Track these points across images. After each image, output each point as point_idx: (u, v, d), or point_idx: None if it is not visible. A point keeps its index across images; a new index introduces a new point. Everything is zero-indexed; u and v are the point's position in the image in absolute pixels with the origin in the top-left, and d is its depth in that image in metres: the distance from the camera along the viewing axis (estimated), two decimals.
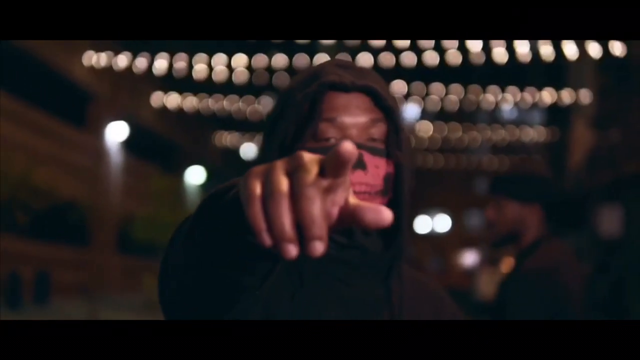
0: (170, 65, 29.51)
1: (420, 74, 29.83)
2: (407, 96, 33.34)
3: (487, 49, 24.73)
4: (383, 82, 1.90)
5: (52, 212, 32.76)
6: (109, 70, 32.07)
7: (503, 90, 32.23)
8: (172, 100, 35.07)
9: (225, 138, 43.24)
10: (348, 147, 1.10)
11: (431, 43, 25.24)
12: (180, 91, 34.52)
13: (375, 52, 27.90)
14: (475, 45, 24.35)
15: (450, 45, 25.01)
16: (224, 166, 51.57)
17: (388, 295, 1.88)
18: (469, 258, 59.81)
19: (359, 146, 1.80)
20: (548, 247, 4.17)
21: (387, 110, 1.85)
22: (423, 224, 65.31)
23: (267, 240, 1.12)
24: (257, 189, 1.15)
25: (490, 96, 32.36)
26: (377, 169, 1.82)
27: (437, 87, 32.45)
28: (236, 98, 34.46)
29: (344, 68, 1.89)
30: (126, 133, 38.87)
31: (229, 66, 28.51)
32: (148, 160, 43.37)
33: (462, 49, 25.26)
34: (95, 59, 31.85)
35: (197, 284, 1.44)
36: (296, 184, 1.12)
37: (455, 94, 32.39)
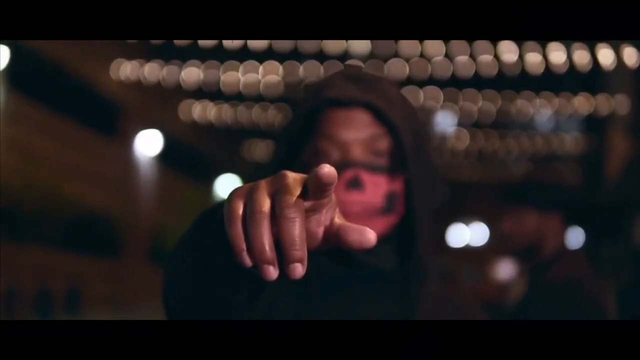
0: (200, 75, 29.33)
1: (454, 81, 29.54)
2: (440, 104, 33.07)
3: (521, 56, 24.41)
4: (393, 91, 1.84)
5: (82, 224, 32.64)
6: (138, 80, 31.96)
7: (538, 98, 31.86)
8: (202, 109, 34.89)
9: (256, 147, 43.14)
10: (326, 170, 1.11)
11: (466, 49, 25.02)
12: (211, 100, 34.32)
13: (407, 59, 27.64)
14: (509, 52, 24.05)
15: (484, 51, 24.73)
16: (256, 176, 51.40)
17: (403, 313, 1.82)
18: (506, 270, 59.23)
19: (357, 164, 1.77)
20: (570, 259, 3.97)
21: (390, 125, 1.79)
22: (459, 235, 64.89)
23: (246, 260, 1.13)
24: (239, 209, 1.16)
25: (525, 103, 32.01)
26: (377, 186, 1.79)
27: (471, 95, 32.15)
28: (267, 107, 34.31)
29: (351, 79, 1.84)
30: (156, 143, 38.81)
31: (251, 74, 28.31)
32: (178, 170, 43.31)
33: (496, 56, 24.96)
34: (125, 68, 31.75)
35: (190, 300, 1.45)
36: (277, 205, 1.13)
37: (490, 101, 32.06)
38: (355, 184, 1.76)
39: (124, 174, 38.17)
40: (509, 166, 50.03)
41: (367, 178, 1.77)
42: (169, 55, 30.28)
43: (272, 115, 35.28)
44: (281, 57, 28.60)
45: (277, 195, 1.13)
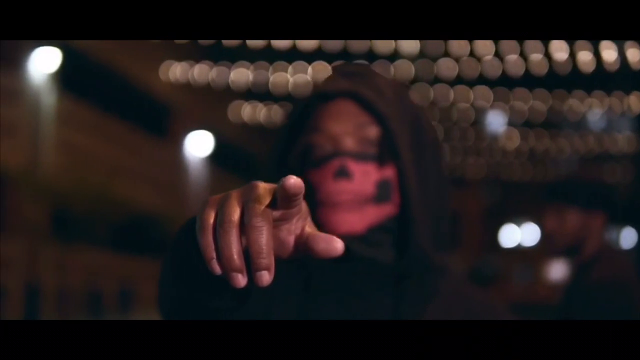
0: (250, 76, 29.35)
1: (505, 81, 29.30)
2: (491, 103, 32.82)
3: (572, 55, 24.15)
4: (385, 83, 1.85)
5: (133, 225, 32.80)
6: (187, 81, 32.05)
7: (590, 97, 31.52)
8: (252, 110, 34.91)
9: None
10: (292, 182, 1.14)
11: (516, 48, 24.82)
12: (260, 101, 34.34)
13: (457, 59, 27.47)
14: (560, 51, 23.82)
15: (535, 50, 24.51)
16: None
17: (397, 306, 1.80)
18: (558, 270, 58.81)
19: (344, 153, 1.77)
20: (613, 259, 3.87)
21: (376, 113, 1.79)
22: (511, 235, 64.49)
23: (216, 268, 1.18)
24: (211, 218, 1.20)
25: (577, 103, 31.68)
26: (367, 175, 1.79)
27: (522, 94, 31.87)
28: None
29: (343, 74, 1.86)
30: (206, 144, 38.89)
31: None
32: (228, 171, 43.42)
33: (547, 54, 24.73)
34: (174, 70, 31.85)
35: (177, 307, 1.48)
36: (246, 214, 1.16)
37: (540, 101, 31.76)
38: (342, 173, 1.76)
39: (174, 174, 38.32)
40: (560, 166, 49.60)
41: (355, 167, 1.77)
42: (218, 56, 30.34)
43: None
44: (330, 58, 28.53)
45: (247, 204, 1.17)
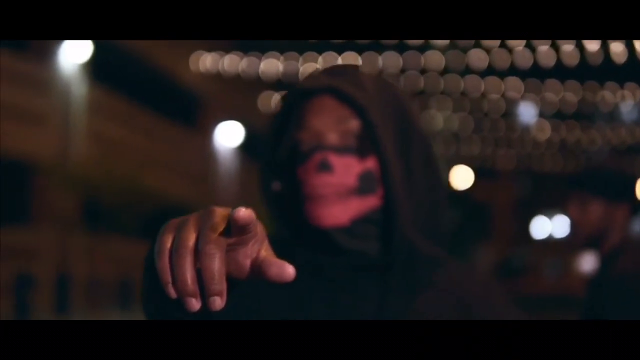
0: (280, 66, 29.31)
1: (536, 72, 29.13)
2: (522, 94, 32.65)
3: (605, 46, 23.96)
4: (366, 77, 1.88)
5: (163, 215, 32.87)
6: (218, 71, 32.06)
7: (622, 88, 31.28)
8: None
9: None
10: (241, 214, 1.20)
11: (547, 40, 24.63)
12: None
13: (489, 50, 27.32)
14: (592, 42, 23.63)
15: (566, 41, 24.33)
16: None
17: (384, 297, 1.82)
18: (587, 262, 58.50)
19: (325, 147, 1.82)
20: (637, 249, 3.82)
21: (356, 106, 1.82)
22: (542, 227, 64.20)
23: (171, 292, 1.23)
24: (168, 242, 1.24)
25: (609, 94, 31.44)
26: (348, 167, 1.82)
27: (553, 85, 31.67)
28: None
29: (324, 72, 1.91)
30: (236, 135, 38.91)
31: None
32: (258, 161, 43.43)
33: (580, 46, 24.54)
34: (204, 60, 31.87)
35: (154, 312, 1.50)
36: (200, 241, 1.20)
37: (572, 92, 31.55)
38: (323, 167, 1.80)
39: (204, 165, 38.37)
40: (592, 157, 49.29)
41: (336, 160, 1.81)
42: (248, 47, 30.32)
43: None
44: (360, 49, 28.43)
45: (202, 231, 1.21)
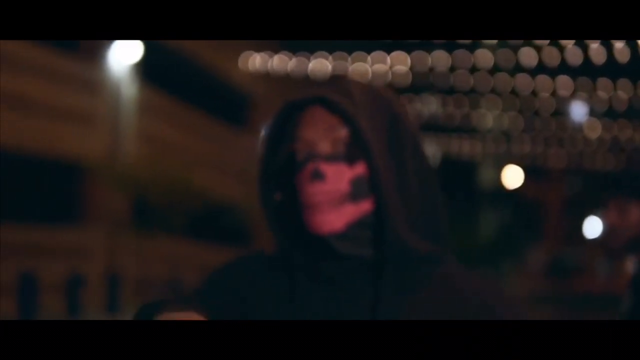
0: (329, 66, 29.26)
1: (587, 70, 28.84)
2: (573, 93, 32.35)
3: None
4: (353, 85, 1.94)
5: (211, 214, 32.97)
6: (267, 71, 32.08)
7: None
8: None
9: None
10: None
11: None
12: None
13: (538, 48, 27.09)
14: None
15: (617, 40, 24.04)
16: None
17: (378, 298, 1.88)
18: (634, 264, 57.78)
19: (316, 156, 1.87)
20: None
21: (343, 113, 1.87)
22: (593, 226, 63.65)
23: None
24: None
25: None
26: (340, 174, 1.87)
27: (604, 83, 31.34)
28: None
29: (315, 83, 1.97)
30: None
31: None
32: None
33: (633, 45, 24.26)
34: (254, 60, 31.90)
35: None
36: None
37: (623, 90, 31.21)
38: (315, 176, 1.86)
39: (252, 164, 38.43)
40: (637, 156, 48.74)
41: (328, 168, 1.87)
42: (297, 47, 30.31)
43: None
44: (409, 47, 28.32)
45: None
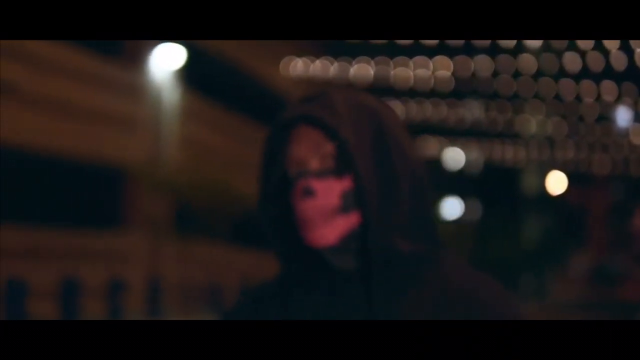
0: (371, 71, 29.18)
1: (632, 75, 28.55)
2: (617, 98, 32.05)
3: None
4: (339, 99, 1.97)
5: (253, 219, 32.93)
6: (308, 76, 32.03)
7: None
8: None
9: (427, 144, 42.73)
10: None
11: None
12: (381, 96, 34.15)
13: (582, 53, 26.87)
14: None
15: None
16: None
17: (369, 302, 1.94)
18: None
19: (306, 174, 1.93)
20: None
21: (328, 129, 1.92)
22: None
23: None
24: None
25: None
26: (329, 189, 1.92)
27: None
28: (439, 103, 33.88)
29: (301, 101, 2.01)
30: None
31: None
32: None
33: None
34: (295, 65, 31.87)
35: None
36: None
37: None
38: (306, 192, 1.91)
39: None
40: None
41: (317, 184, 1.92)
42: (338, 52, 30.23)
43: (444, 111, 34.85)
44: (452, 52, 28.19)
45: None
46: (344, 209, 1.93)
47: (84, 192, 25.69)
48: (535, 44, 28.94)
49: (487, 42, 25.20)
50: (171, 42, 26.38)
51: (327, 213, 1.92)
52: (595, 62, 26.62)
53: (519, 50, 29.24)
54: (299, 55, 31.59)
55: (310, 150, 1.95)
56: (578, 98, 33.81)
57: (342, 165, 1.93)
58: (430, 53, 27.91)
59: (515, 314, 1.94)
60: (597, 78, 30.85)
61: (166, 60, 27.93)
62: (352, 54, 29.46)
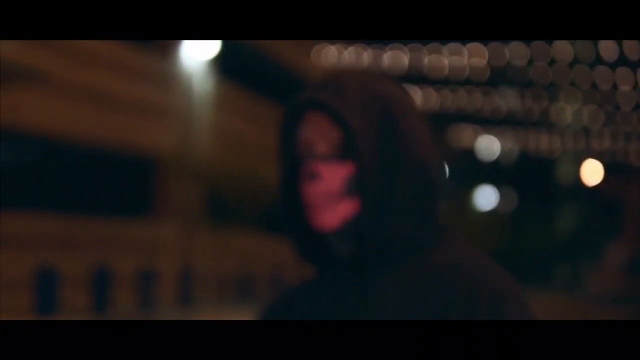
0: (405, 58, 28.99)
1: None
2: None
3: None
4: (349, 84, 1.98)
5: None
6: (340, 64, 31.88)
7: None
8: None
9: (462, 132, 42.48)
10: None
11: None
12: (415, 84, 33.94)
13: (619, 41, 26.55)
14: None
15: None
16: (460, 165, 50.61)
17: (361, 289, 1.98)
18: None
19: (313, 157, 1.95)
20: None
21: (334, 115, 1.94)
22: None
23: None
24: None
25: None
26: (334, 174, 1.94)
27: None
28: (473, 90, 33.63)
29: (313, 86, 2.02)
30: None
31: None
32: None
33: None
34: (326, 53, 31.72)
35: None
36: None
37: None
38: (312, 176, 1.93)
39: None
40: None
41: (323, 168, 1.94)
42: (368, 41, 30.02)
43: (478, 100, 34.61)
44: (486, 40, 27.90)
45: None
46: (347, 193, 1.95)
47: (116, 181, 25.67)
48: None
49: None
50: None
51: (332, 197, 1.94)
52: (632, 49, 26.26)
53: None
54: (332, 43, 31.41)
55: (317, 134, 1.97)
56: (614, 86, 33.49)
57: (346, 151, 1.95)
58: (464, 40, 27.64)
59: (501, 287, 1.90)
60: (634, 66, 30.49)
61: (199, 49, 27.86)
62: (384, 42, 29.23)
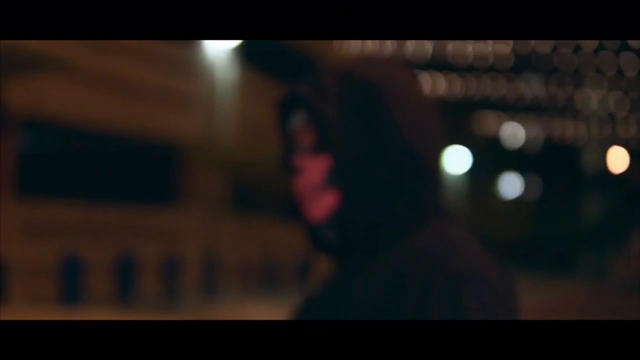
0: (430, 46, 28.91)
1: None
2: None
3: None
4: (330, 75, 1.99)
5: None
6: (366, 53, 31.83)
7: None
8: (431, 81, 34.46)
9: (485, 119, 42.31)
10: None
11: None
12: (439, 71, 33.85)
13: None
14: None
15: None
16: (484, 153, 50.36)
17: (345, 278, 1.99)
18: None
19: (295, 151, 2.01)
20: None
21: (310, 109, 1.97)
22: None
23: None
24: None
25: None
26: (316, 166, 1.97)
27: None
28: (497, 77, 33.49)
29: (299, 80, 2.06)
30: None
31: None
32: None
33: None
34: (349, 42, 31.68)
35: None
36: None
37: None
38: (294, 169, 1.99)
39: None
40: None
41: (306, 161, 1.98)
42: None
43: (502, 87, 34.48)
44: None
45: None
46: (329, 185, 1.97)
47: (140, 169, 25.74)
48: None
49: None
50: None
51: (315, 189, 1.97)
52: None
53: None
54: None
55: (302, 128, 2.01)
56: None
57: (324, 143, 1.96)
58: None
59: (463, 271, 1.82)
60: None
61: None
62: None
